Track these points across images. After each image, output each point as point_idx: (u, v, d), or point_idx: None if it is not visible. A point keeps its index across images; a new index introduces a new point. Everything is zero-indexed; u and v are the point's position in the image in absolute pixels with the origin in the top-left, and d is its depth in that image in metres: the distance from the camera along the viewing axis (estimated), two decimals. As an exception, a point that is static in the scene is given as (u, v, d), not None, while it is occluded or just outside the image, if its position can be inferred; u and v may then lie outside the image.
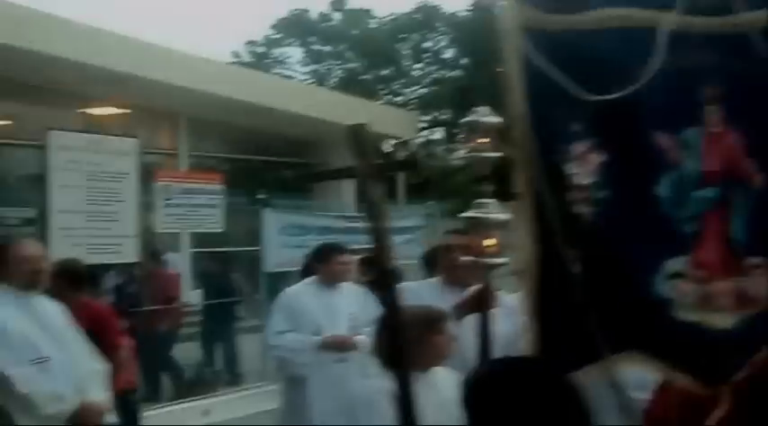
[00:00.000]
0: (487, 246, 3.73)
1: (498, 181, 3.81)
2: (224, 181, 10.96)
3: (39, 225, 8.91)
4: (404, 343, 2.75)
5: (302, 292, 7.14)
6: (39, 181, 10.12)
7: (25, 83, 14.02)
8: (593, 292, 2.61)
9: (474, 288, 4.26)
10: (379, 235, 2.73)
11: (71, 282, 6.55)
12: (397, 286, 2.75)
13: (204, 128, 17.57)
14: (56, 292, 5.62)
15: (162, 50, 15.11)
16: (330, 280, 7.07)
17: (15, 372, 4.52)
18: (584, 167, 2.65)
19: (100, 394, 4.85)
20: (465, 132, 3.84)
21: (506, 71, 2.65)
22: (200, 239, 13.05)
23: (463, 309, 4.25)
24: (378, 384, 3.56)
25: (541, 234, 2.66)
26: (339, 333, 6.99)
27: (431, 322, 3.79)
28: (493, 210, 3.75)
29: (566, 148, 2.66)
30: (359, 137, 2.74)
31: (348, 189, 19.39)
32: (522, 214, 2.70)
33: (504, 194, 3.67)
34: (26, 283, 4.77)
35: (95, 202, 8.98)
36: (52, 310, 4.92)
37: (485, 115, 3.80)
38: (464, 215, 3.89)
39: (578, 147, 2.66)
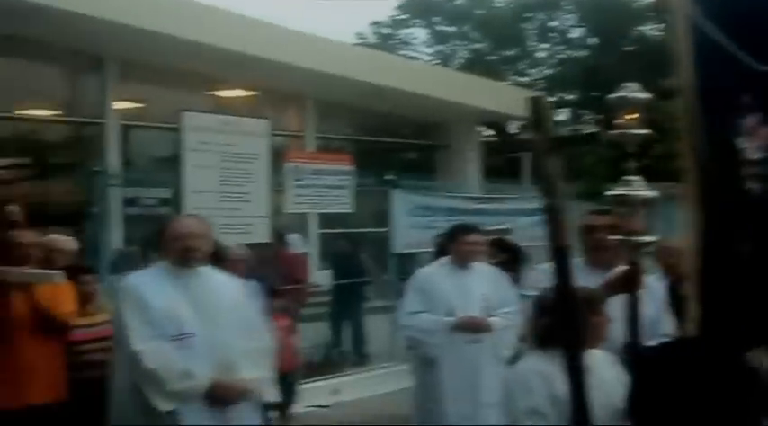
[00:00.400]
0: (635, 225, 3.59)
1: (643, 158, 3.68)
2: (352, 163, 10.95)
3: (174, 204, 9.03)
4: (579, 324, 2.65)
5: (435, 273, 7.10)
6: (173, 162, 10.31)
7: (157, 66, 14.29)
8: (763, 272, 2.46)
9: (621, 269, 4.12)
10: (554, 212, 2.60)
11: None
12: (570, 265, 2.62)
13: (330, 110, 17.62)
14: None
15: (289, 32, 15.19)
16: (462, 261, 7.01)
17: (145, 347, 4.52)
18: (755, 141, 2.49)
19: (253, 372, 4.78)
20: (613, 109, 3.69)
21: (674, 40, 2.51)
22: (327, 220, 13.06)
23: (610, 290, 4.11)
24: (532, 365, 3.47)
25: (708, 211, 2.52)
26: (472, 314, 6.92)
27: (592, 303, 3.68)
28: (639, 188, 3.60)
29: (736, 121, 2.51)
30: (537, 110, 2.60)
31: (473, 169, 19.28)
32: (687, 191, 2.56)
33: (649, 171, 3.54)
34: (180, 259, 4.78)
35: (227, 183, 9.06)
36: (219, 286, 4.90)
37: (633, 91, 3.64)
38: (610, 193, 3.75)
39: (749, 120, 2.50)
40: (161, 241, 4.88)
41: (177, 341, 4.58)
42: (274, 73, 14.93)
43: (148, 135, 15.16)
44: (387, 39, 29.55)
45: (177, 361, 4.53)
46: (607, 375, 3.39)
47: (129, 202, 8.70)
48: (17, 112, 13.66)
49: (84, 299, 6.20)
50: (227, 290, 4.93)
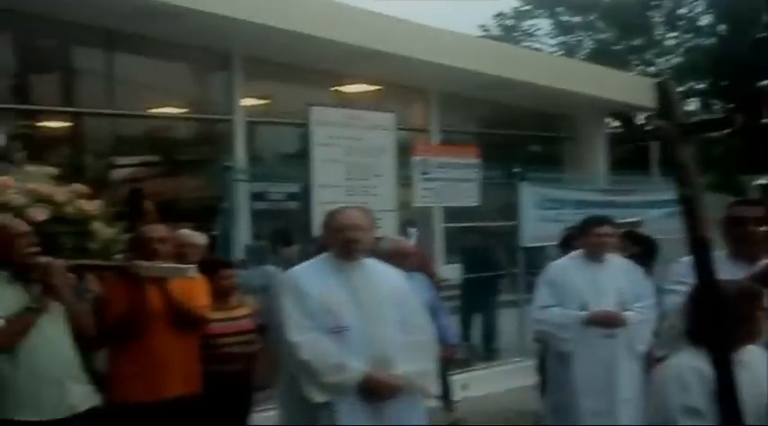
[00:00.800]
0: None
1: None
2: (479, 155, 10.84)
3: (302, 199, 9.09)
4: (729, 319, 2.50)
5: (568, 266, 6.95)
6: (299, 158, 10.38)
7: (282, 63, 14.40)
8: None
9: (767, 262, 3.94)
10: (691, 203, 2.46)
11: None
12: (711, 257, 2.48)
13: (454, 104, 17.48)
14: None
15: (413, 26, 15.12)
16: (595, 253, 6.84)
17: (301, 339, 4.55)
18: None
19: (413, 366, 4.72)
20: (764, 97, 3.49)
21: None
22: (451, 214, 12.94)
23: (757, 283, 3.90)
24: (687, 361, 3.31)
25: None
26: (606, 309, 6.75)
27: (754, 297, 3.50)
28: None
29: None
30: (665, 95, 2.46)
31: (601, 161, 18.91)
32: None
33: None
34: (343, 251, 4.78)
35: (354, 177, 9.07)
36: (380, 279, 4.87)
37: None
38: (759, 183, 3.56)
39: None
40: (324, 233, 4.90)
41: (334, 334, 4.59)
42: (398, 67, 14.85)
43: (274, 131, 15.29)
44: (510, 31, 29.22)
45: (332, 354, 4.54)
46: (762, 371, 3.21)
47: (258, 197, 8.77)
48: (148, 111, 13.96)
49: (224, 293, 6.25)
50: (388, 283, 4.92)
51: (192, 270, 5.52)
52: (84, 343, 4.89)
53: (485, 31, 28.24)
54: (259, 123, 14.79)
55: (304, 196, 8.97)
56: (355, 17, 13.86)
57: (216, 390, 5.87)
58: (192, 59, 14.13)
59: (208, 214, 13.77)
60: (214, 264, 6.38)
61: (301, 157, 11.77)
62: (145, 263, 5.37)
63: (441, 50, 14.90)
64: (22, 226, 4.76)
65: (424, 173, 10.02)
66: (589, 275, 6.81)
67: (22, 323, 4.50)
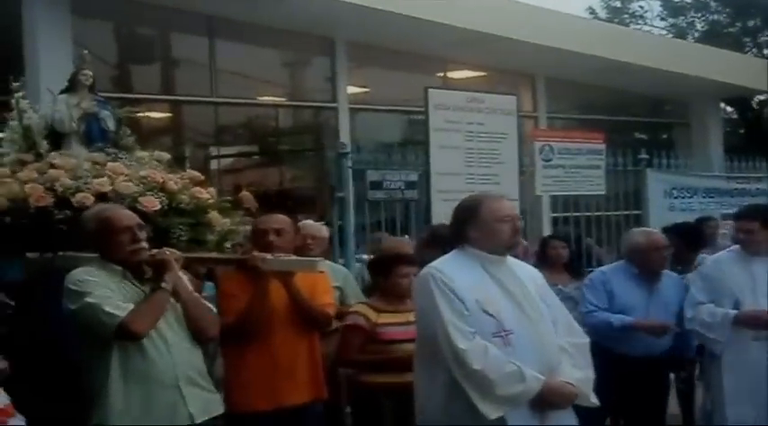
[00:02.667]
0: None
1: None
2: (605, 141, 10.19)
3: (420, 188, 8.58)
4: None
5: (723, 261, 6.29)
6: (404, 145, 9.95)
7: (387, 48, 14.01)
8: None
9: None
10: None
11: (443, 248, 6.18)
12: None
13: (562, 89, 16.91)
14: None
15: (520, 7, 14.57)
16: (753, 249, 6.16)
17: (469, 346, 3.95)
18: None
19: (574, 372, 4.12)
20: None
21: None
22: (562, 202, 12.18)
23: None
24: None
25: None
26: (760, 308, 6.08)
27: None
28: None
29: None
30: None
31: (717, 147, 18.16)
32: None
33: None
34: (498, 246, 4.16)
35: (474, 163, 8.53)
36: (527, 277, 4.28)
37: None
38: None
39: None
40: (468, 222, 4.22)
41: (499, 339, 4.01)
42: (506, 51, 14.44)
43: (377, 118, 14.91)
44: (618, 13, 28.28)
45: (506, 363, 3.96)
46: None
47: (375, 186, 8.25)
48: (249, 98, 13.68)
49: (400, 294, 5.52)
50: (533, 281, 4.32)
51: (321, 263, 5.01)
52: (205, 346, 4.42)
53: (591, 13, 27.34)
54: (362, 110, 14.42)
55: (423, 184, 8.43)
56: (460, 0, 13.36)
57: (391, 403, 5.30)
58: (295, 45, 13.81)
59: (311, 204, 13.49)
60: (390, 261, 5.70)
61: (405, 145, 11.33)
62: (268, 256, 4.85)
63: (549, 33, 14.40)
64: (131, 217, 4.31)
65: (546, 160, 9.42)
66: (746, 271, 6.14)
67: (155, 303, 4.05)
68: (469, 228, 4.22)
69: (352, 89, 14.27)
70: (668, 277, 6.53)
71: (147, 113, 12.57)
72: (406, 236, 8.46)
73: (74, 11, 11.09)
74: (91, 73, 5.49)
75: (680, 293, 6.42)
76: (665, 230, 7.12)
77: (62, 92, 5.53)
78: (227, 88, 13.08)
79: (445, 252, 4.38)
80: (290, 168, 15.16)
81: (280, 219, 5.28)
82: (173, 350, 4.12)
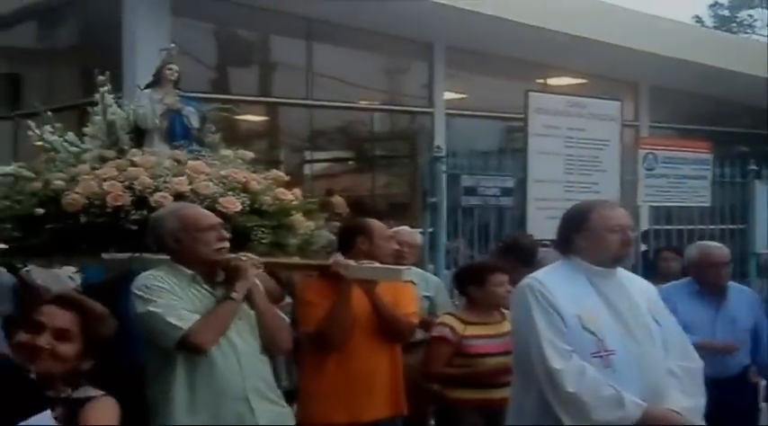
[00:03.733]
0: None
1: None
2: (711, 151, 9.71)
3: (517, 195, 8.26)
4: None
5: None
6: (500, 153, 9.61)
7: (482, 52, 13.74)
8: None
9: None
10: None
11: (518, 258, 5.99)
12: None
13: (666, 97, 16.39)
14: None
15: (625, 12, 14.17)
16: None
17: (565, 366, 3.63)
18: None
19: (683, 400, 3.79)
20: None
21: None
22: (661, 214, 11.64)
23: None
24: None
25: None
26: None
27: None
28: None
29: None
30: None
31: None
32: None
33: None
34: (609, 258, 3.85)
35: (574, 171, 8.20)
36: (637, 292, 3.93)
37: None
38: None
39: None
40: (576, 230, 3.89)
41: (598, 359, 3.69)
42: (608, 57, 14.06)
43: (474, 124, 14.64)
44: (726, 22, 27.50)
45: (604, 386, 3.63)
46: None
47: (470, 192, 7.97)
48: (347, 102, 13.54)
49: (493, 304, 5.35)
50: (643, 296, 3.95)
51: (407, 272, 4.75)
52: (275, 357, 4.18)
53: (697, 21, 26.66)
54: (459, 116, 14.17)
55: (520, 191, 8.12)
56: (563, 1, 13.04)
57: (483, 420, 5.11)
58: (393, 50, 13.65)
59: (402, 210, 13.29)
60: (484, 270, 5.48)
61: (503, 152, 10.99)
62: (351, 263, 4.61)
63: (655, 39, 13.97)
64: (214, 215, 4.13)
65: (649, 169, 9.00)
66: None
67: (222, 315, 3.85)
68: (577, 237, 3.89)
69: (448, 95, 14.04)
70: (737, 292, 6.06)
71: (243, 116, 12.52)
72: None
73: (174, 12, 11.11)
74: (177, 68, 5.33)
75: (751, 308, 6.00)
76: None
77: (147, 86, 5.38)
78: (323, 91, 12.98)
79: (521, 264, 4.11)
80: (384, 174, 14.98)
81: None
82: (243, 361, 3.89)
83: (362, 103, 14.12)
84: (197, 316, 3.78)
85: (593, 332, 3.72)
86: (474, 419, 5.16)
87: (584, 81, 15.32)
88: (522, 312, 3.83)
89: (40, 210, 4.81)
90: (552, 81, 15.05)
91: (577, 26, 12.93)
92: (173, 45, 5.60)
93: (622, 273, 3.99)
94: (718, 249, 6.07)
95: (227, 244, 4.02)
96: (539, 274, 3.94)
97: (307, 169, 13.88)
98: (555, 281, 3.84)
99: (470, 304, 5.40)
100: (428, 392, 5.44)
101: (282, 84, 13.17)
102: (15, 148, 12.94)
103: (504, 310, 5.25)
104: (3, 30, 13.56)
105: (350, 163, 15.19)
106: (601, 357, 3.69)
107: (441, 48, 13.67)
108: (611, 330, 3.74)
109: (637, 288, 4.01)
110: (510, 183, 8.26)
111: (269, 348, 4.06)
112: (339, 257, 4.71)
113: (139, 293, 3.82)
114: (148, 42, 10.57)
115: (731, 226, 10.41)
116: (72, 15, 13.03)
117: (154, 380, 3.90)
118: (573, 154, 8.21)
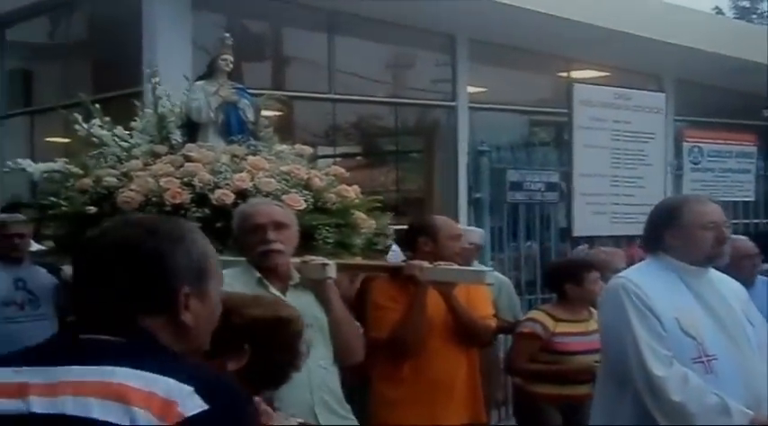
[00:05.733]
0: None
1: None
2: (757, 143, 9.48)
3: (561, 190, 8.01)
4: None
5: None
6: (527, 147, 9.37)
7: (506, 45, 13.48)
8: None
9: None
10: None
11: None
12: None
13: (691, 90, 16.11)
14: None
15: (649, 3, 13.92)
16: None
17: (668, 373, 3.41)
18: None
19: None
20: None
21: None
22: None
23: None
24: None
25: None
26: None
27: None
28: None
29: None
30: None
31: None
32: None
33: None
34: (704, 257, 3.62)
35: (620, 165, 7.95)
36: (731, 294, 3.72)
37: None
38: None
39: None
40: (667, 226, 3.65)
41: (700, 365, 3.46)
42: (633, 49, 13.78)
43: (497, 117, 14.36)
44: (747, 13, 27.21)
45: (709, 394, 3.41)
46: None
47: (515, 187, 7.70)
48: (369, 95, 13.28)
49: (586, 302, 5.21)
50: (737, 298, 3.74)
51: (490, 274, 4.49)
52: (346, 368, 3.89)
53: (718, 13, 26.40)
54: (482, 109, 13.90)
55: (565, 187, 7.88)
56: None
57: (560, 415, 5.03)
58: (416, 42, 13.38)
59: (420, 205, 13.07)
60: (582, 266, 5.39)
61: (530, 146, 10.74)
62: (426, 264, 4.32)
63: (680, 30, 13.69)
64: (267, 215, 3.75)
65: (695, 163, 8.76)
66: None
67: None
68: (667, 234, 3.66)
69: (471, 88, 13.78)
70: (763, 284, 5.84)
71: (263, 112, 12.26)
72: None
73: (194, 6, 10.85)
74: (231, 58, 5.07)
75: None
76: None
77: (199, 78, 5.12)
78: (345, 85, 12.72)
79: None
80: (403, 169, 14.71)
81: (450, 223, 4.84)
82: (311, 372, 3.50)
83: (381, 98, 13.85)
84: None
85: (693, 337, 3.50)
86: (552, 413, 5.13)
87: (607, 74, 15.04)
88: (615, 314, 3.59)
89: (93, 209, 4.56)
90: (575, 74, 14.76)
91: (601, 18, 12.69)
92: (227, 35, 5.31)
93: (713, 273, 3.76)
94: (747, 242, 5.92)
95: (275, 247, 3.66)
96: (630, 273, 3.72)
97: (321, 163, 13.61)
98: (648, 281, 3.61)
99: (563, 301, 5.30)
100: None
101: (303, 77, 12.91)
102: (32, 145, 12.71)
103: (591, 308, 5.14)
104: (16, 25, 13.32)
105: (366, 158, 14.92)
106: (702, 362, 3.48)
107: (464, 41, 13.39)
108: (711, 333, 3.53)
109: (728, 288, 3.79)
110: (555, 178, 8.01)
111: (341, 358, 3.77)
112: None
113: None
114: (169, 37, 10.35)
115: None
116: (87, 10, 12.76)
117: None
118: (619, 147, 7.96)
